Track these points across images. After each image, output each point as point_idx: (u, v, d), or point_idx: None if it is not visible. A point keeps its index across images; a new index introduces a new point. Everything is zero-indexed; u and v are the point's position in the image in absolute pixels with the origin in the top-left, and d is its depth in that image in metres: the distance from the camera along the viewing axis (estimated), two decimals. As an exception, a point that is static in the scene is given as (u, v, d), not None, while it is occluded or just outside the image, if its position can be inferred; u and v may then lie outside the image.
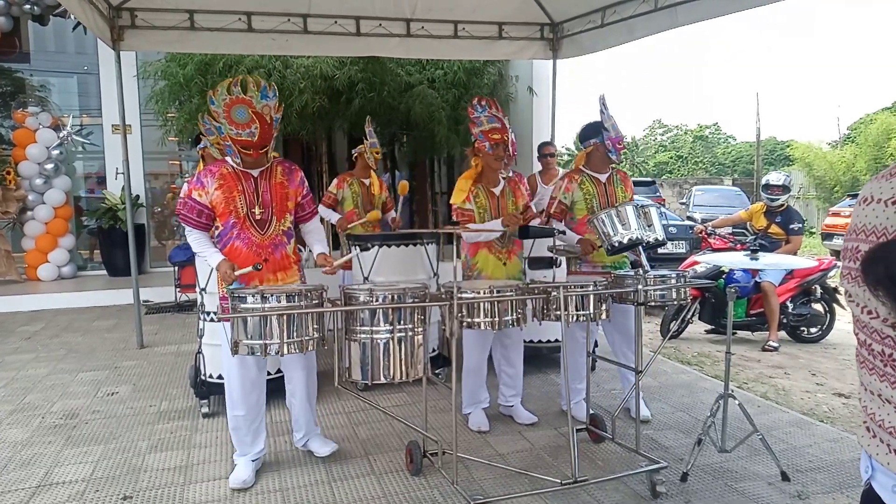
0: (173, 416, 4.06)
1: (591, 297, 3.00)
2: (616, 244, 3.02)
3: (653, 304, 3.11)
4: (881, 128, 20.46)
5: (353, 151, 5.20)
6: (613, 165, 3.80)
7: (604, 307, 3.07)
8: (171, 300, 7.66)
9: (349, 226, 4.98)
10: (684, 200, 18.08)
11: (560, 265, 3.30)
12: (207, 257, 3.05)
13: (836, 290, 6.30)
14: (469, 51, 6.21)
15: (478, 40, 6.02)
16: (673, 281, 3.07)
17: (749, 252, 3.08)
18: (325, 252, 3.20)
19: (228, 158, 3.10)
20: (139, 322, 5.86)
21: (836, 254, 12.87)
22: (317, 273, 3.31)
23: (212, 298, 3.94)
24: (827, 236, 14.15)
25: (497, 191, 3.66)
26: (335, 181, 5.07)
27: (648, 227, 3.04)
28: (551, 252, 3.11)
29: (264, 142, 2.95)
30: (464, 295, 2.84)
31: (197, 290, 4.13)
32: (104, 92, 9.30)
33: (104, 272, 9.41)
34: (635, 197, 3.99)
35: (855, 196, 15.04)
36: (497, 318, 2.87)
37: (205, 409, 4.03)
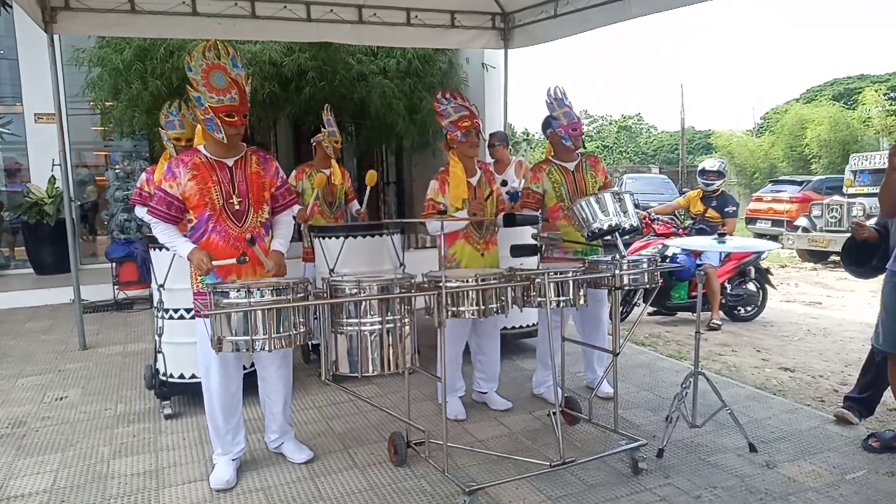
0: (133, 418, 3.87)
1: (571, 283, 3.06)
2: (596, 230, 3.09)
3: (627, 287, 3.21)
4: (795, 118, 21.75)
5: (311, 141, 5.06)
6: (582, 151, 3.92)
7: (581, 293, 3.14)
8: (109, 298, 7.28)
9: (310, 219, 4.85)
10: (616, 189, 18.68)
11: (543, 252, 3.34)
12: (177, 247, 2.90)
13: (768, 270, 6.70)
14: (421, 39, 6.17)
15: (430, 28, 5.98)
16: (645, 265, 3.17)
17: (717, 236, 3.21)
18: (281, 252, 3.04)
19: (201, 148, 2.96)
20: (81, 322, 5.54)
21: (759, 237, 13.64)
22: (295, 266, 3.21)
23: (172, 295, 3.78)
24: (750, 220, 14.96)
25: (473, 181, 3.67)
26: (293, 173, 4.90)
27: (624, 213, 3.12)
28: (535, 239, 3.14)
29: (244, 108, 2.86)
30: (450, 284, 2.83)
31: (154, 286, 3.95)
32: (25, 78, 8.67)
33: (30, 270, 8.83)
34: None
35: (776, 182, 15.99)
36: (483, 306, 2.88)
37: (167, 411, 3.86)
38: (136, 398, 4.22)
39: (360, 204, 5.07)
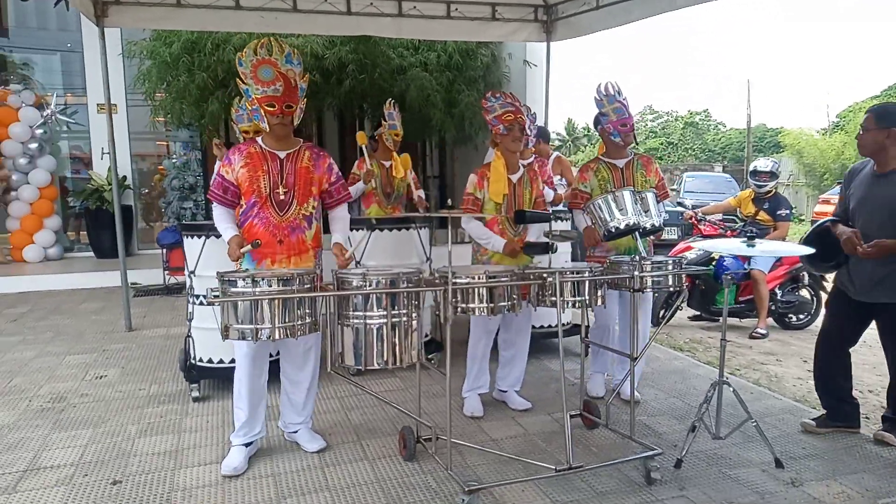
0: (163, 399, 4.01)
1: (587, 283, 2.97)
2: (612, 230, 2.99)
3: (648, 290, 3.09)
4: (871, 116, 20.50)
5: (374, 134, 5.18)
6: (634, 150, 3.87)
7: (599, 293, 3.05)
8: (160, 283, 7.58)
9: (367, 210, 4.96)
10: (675, 187, 18.13)
11: (556, 250, 3.26)
12: (222, 232, 3.07)
13: (822, 277, 6.34)
14: (461, 32, 6.12)
15: (470, 21, 5.92)
16: (670, 267, 3.04)
17: (746, 239, 3.05)
18: (342, 243, 3.14)
19: (259, 139, 3.11)
20: (127, 305, 5.78)
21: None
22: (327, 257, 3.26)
23: (202, 281, 3.88)
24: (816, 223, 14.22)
25: (515, 178, 3.61)
26: (357, 162, 5.02)
27: (645, 212, 3.00)
28: (547, 237, 3.07)
29: (288, 99, 2.97)
30: (458, 280, 2.80)
31: (186, 272, 4.07)
32: (88, 70, 9.11)
33: (91, 254, 9.29)
34: None
35: (844, 183, 15.11)
36: (493, 304, 2.83)
37: (195, 394, 3.98)
38: (170, 380, 4.37)
39: (418, 187, 5.15)
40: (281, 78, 2.96)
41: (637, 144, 3.89)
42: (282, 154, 3.07)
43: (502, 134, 3.54)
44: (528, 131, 4.39)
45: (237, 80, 3.06)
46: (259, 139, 3.13)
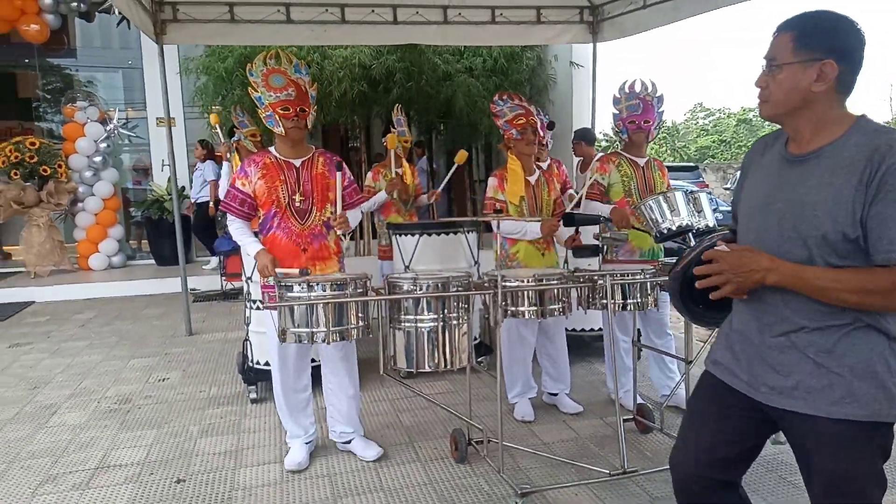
0: (222, 401, 4.15)
1: (639, 285, 2.94)
2: (665, 231, 2.95)
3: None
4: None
5: (382, 140, 5.24)
6: (651, 151, 3.80)
7: (651, 296, 3.01)
8: (217, 289, 7.83)
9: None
10: (729, 185, 17.64)
11: (606, 253, 3.24)
12: (246, 246, 3.12)
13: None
14: (507, 36, 6.14)
15: (515, 25, 5.93)
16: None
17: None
18: (346, 220, 3.10)
19: (272, 149, 3.14)
20: (187, 310, 6.01)
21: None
22: (355, 263, 3.33)
23: (257, 287, 4.01)
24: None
25: (532, 179, 3.62)
26: (370, 174, 5.10)
27: (699, 213, 2.96)
28: (597, 240, 3.06)
29: (301, 103, 3.00)
30: (508, 283, 2.82)
31: (243, 278, 4.21)
32: (148, 86, 9.52)
33: (152, 261, 9.67)
34: (679, 183, 3.95)
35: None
36: (542, 307, 2.84)
37: (252, 395, 4.11)
38: (229, 382, 4.53)
39: (437, 185, 5.17)
40: (292, 84, 2.99)
41: (648, 144, 3.76)
42: (297, 162, 3.09)
43: (516, 139, 3.53)
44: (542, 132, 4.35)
45: (249, 89, 3.09)
46: (272, 149, 3.13)
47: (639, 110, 3.58)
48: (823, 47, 1.48)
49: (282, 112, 2.98)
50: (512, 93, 3.62)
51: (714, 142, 40.81)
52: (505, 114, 3.55)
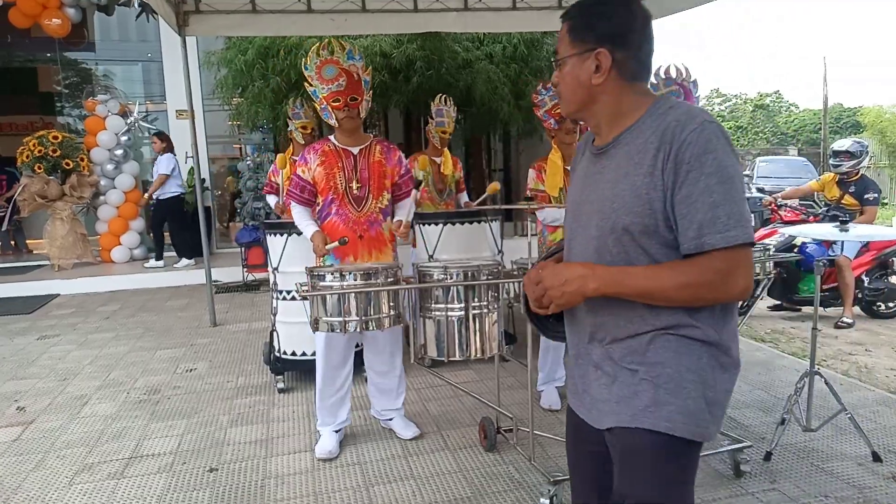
0: (250, 391, 4.19)
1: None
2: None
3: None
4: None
5: (425, 129, 5.27)
6: None
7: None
8: (239, 280, 7.89)
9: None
10: (748, 172, 17.44)
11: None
12: (304, 229, 3.18)
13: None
14: (528, 22, 6.07)
15: (536, 11, 5.86)
16: (758, 255, 2.95)
17: (838, 223, 2.92)
18: (403, 220, 3.21)
19: (331, 137, 3.21)
20: (211, 301, 6.06)
21: (913, 225, 12.19)
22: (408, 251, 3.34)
23: (285, 277, 4.03)
24: (903, 207, 13.40)
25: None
26: (407, 161, 5.12)
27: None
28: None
29: (352, 92, 3.05)
30: (539, 271, 2.80)
31: (269, 269, 4.23)
32: (168, 79, 9.56)
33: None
34: None
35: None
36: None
37: (280, 385, 4.14)
38: (255, 372, 4.56)
39: (472, 202, 5.17)
40: (344, 73, 3.04)
41: None
42: (355, 150, 3.16)
43: (555, 128, 3.55)
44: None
45: (305, 83, 3.18)
46: (332, 137, 3.22)
47: (681, 96, 3.54)
48: (594, 35, 1.37)
49: (333, 104, 3.05)
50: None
51: (731, 128, 40.31)
52: (546, 103, 3.57)
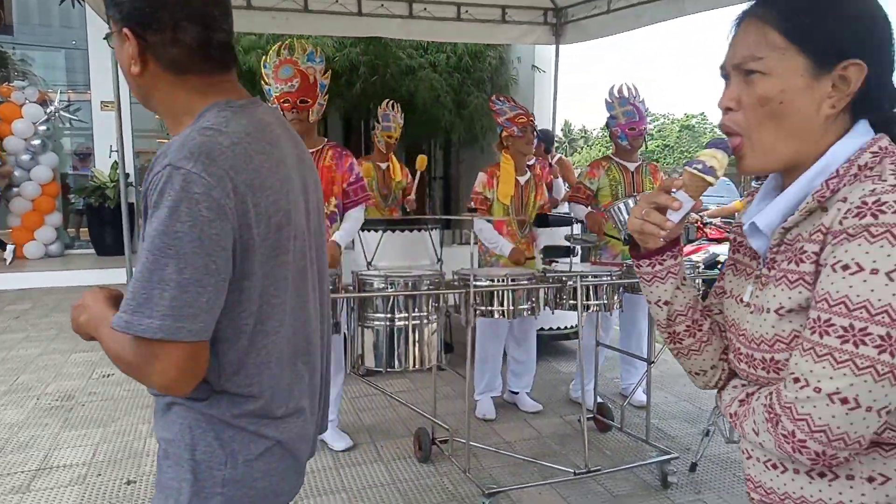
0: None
1: (605, 286, 2.97)
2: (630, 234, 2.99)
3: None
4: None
5: (371, 134, 5.20)
6: (644, 155, 3.90)
7: (616, 298, 3.05)
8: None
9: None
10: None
11: (577, 254, 3.27)
12: None
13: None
14: (471, 34, 6.11)
15: (480, 23, 5.91)
16: (688, 271, 3.05)
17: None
18: (340, 244, 3.15)
19: None
20: (133, 303, 5.75)
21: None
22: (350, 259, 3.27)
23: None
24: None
25: (522, 180, 3.64)
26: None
27: (665, 217, 3.01)
28: (568, 241, 3.08)
29: (303, 95, 3.00)
30: (479, 283, 2.80)
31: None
32: (93, 68, 9.07)
33: (92, 251, 9.25)
34: None
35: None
36: (512, 307, 2.84)
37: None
38: (179, 379, 4.35)
39: (410, 191, 5.13)
40: (299, 75, 3.00)
41: (646, 149, 3.91)
42: None
43: (517, 136, 3.57)
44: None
45: (261, 82, 3.11)
46: None
47: (636, 116, 3.67)
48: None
49: (283, 105, 2.99)
50: (507, 96, 3.74)
51: (658, 146, 42.05)
52: (505, 112, 3.59)
